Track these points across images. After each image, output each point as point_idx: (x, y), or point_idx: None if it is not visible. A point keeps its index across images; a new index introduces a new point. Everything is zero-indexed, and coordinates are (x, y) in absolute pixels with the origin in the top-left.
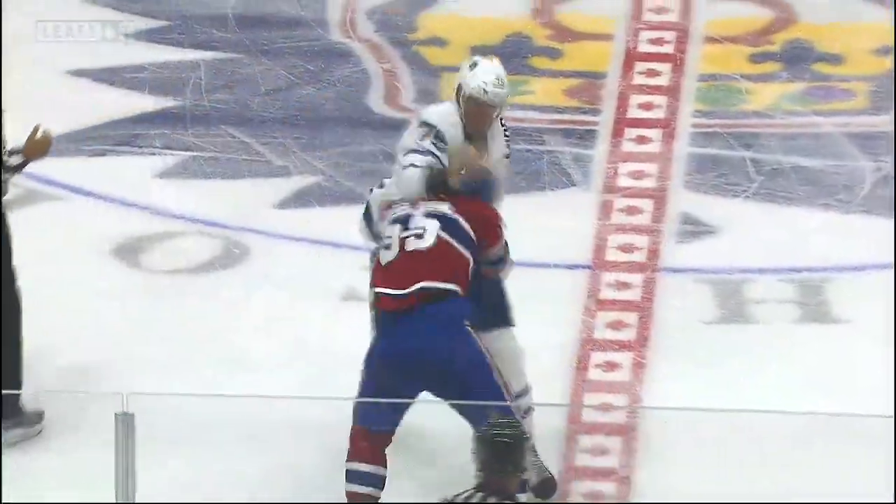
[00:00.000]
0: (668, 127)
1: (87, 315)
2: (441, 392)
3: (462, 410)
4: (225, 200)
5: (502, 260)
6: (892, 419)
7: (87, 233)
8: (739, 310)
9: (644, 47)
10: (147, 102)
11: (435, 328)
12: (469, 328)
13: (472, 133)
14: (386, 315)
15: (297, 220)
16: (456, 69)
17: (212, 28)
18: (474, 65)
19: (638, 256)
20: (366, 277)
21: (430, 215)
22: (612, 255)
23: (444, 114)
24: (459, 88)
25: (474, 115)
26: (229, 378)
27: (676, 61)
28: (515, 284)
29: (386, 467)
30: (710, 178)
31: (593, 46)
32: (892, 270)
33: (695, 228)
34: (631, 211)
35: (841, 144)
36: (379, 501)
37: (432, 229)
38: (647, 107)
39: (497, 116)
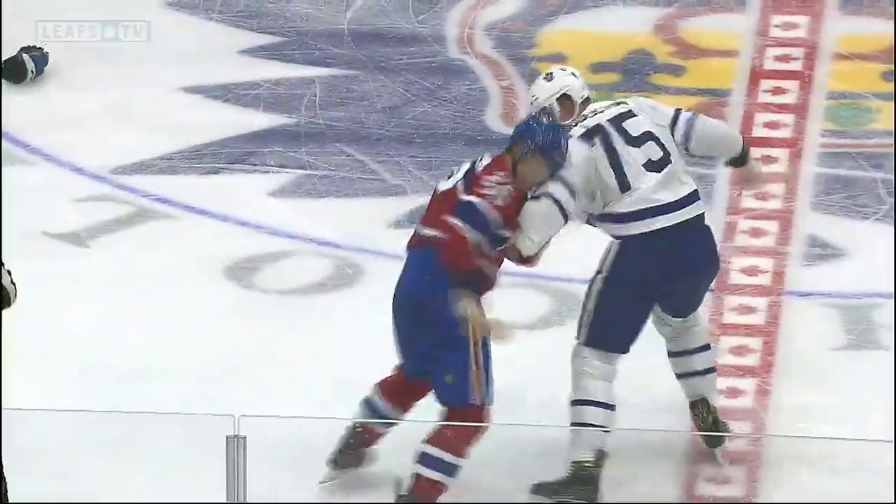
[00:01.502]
0: (794, 146)
1: (200, 335)
2: (420, 333)
3: (428, 360)
4: (339, 220)
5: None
6: None
7: (199, 252)
8: (868, 336)
9: (770, 64)
10: (261, 120)
11: (421, 270)
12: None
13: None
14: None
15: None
16: None
17: (327, 44)
18: (574, 74)
19: (763, 280)
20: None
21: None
22: (736, 279)
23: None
24: (566, 99)
25: (570, 118)
26: (343, 400)
27: (804, 79)
28: None
29: (402, 413)
30: (838, 200)
31: (718, 63)
32: None
33: (822, 251)
34: (755, 233)
35: None
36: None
37: (458, 174)
38: (774, 125)
39: None
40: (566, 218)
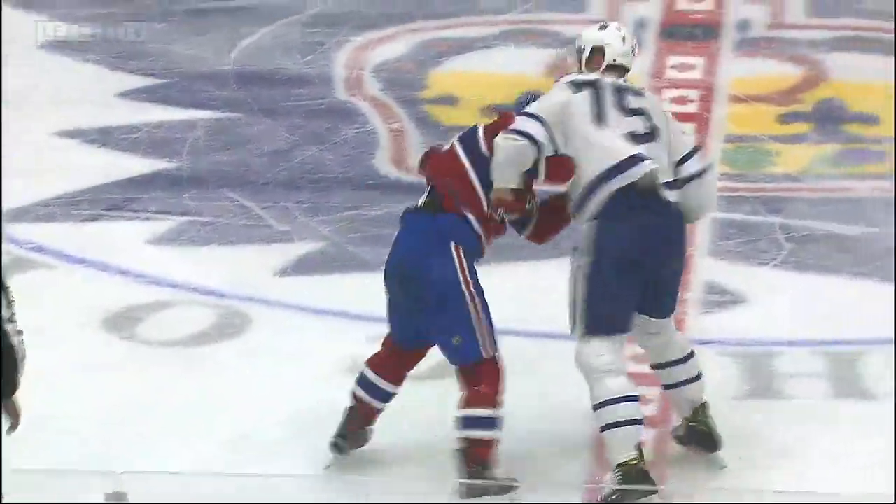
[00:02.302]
0: None
1: (79, 389)
2: (416, 303)
3: (429, 328)
4: (224, 268)
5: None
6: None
7: (78, 302)
8: (768, 384)
9: (666, 106)
10: (142, 165)
11: (418, 239)
12: (455, 249)
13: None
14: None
15: (299, 288)
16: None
17: (210, 86)
18: (603, 26)
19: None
20: (372, 348)
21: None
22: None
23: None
24: (597, 54)
25: (616, 74)
26: (229, 456)
27: (701, 121)
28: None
29: (396, 386)
30: (737, 245)
31: None
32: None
33: (721, 298)
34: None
35: (875, 210)
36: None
37: (447, 145)
38: None
39: None
40: (538, 148)
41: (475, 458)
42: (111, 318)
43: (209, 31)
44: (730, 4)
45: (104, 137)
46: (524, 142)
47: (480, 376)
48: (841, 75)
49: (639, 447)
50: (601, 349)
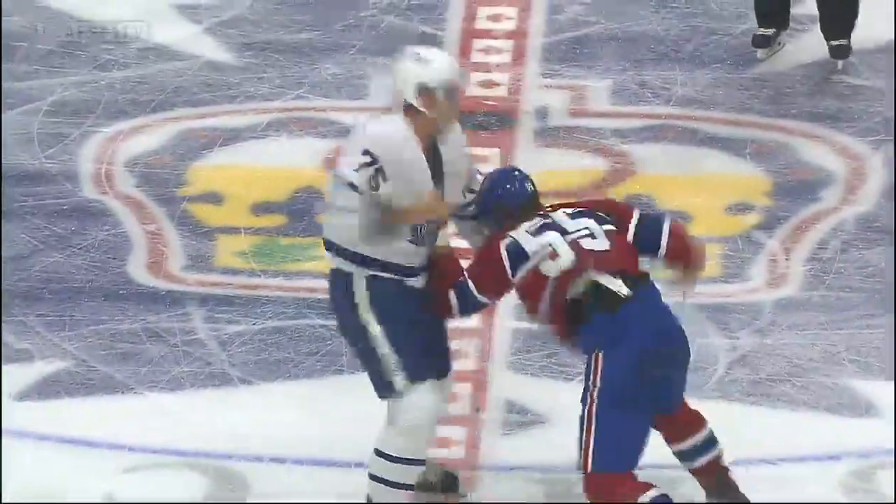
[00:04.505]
0: None
1: None
2: (676, 374)
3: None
4: None
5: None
6: None
7: None
8: None
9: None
10: None
11: (665, 308)
12: None
13: (440, 129)
14: (609, 313)
15: (41, 414)
16: (235, 230)
17: None
18: (419, 57)
19: (454, 452)
20: (130, 480)
21: (576, 215)
22: None
23: (392, 138)
24: (421, 90)
25: (447, 108)
26: None
27: None
28: None
29: None
30: (538, 359)
31: None
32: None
33: (522, 418)
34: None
35: (690, 318)
36: None
37: (596, 228)
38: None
39: None
40: None
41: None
42: None
43: None
44: (526, 90)
45: None
46: None
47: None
48: (649, 168)
49: None
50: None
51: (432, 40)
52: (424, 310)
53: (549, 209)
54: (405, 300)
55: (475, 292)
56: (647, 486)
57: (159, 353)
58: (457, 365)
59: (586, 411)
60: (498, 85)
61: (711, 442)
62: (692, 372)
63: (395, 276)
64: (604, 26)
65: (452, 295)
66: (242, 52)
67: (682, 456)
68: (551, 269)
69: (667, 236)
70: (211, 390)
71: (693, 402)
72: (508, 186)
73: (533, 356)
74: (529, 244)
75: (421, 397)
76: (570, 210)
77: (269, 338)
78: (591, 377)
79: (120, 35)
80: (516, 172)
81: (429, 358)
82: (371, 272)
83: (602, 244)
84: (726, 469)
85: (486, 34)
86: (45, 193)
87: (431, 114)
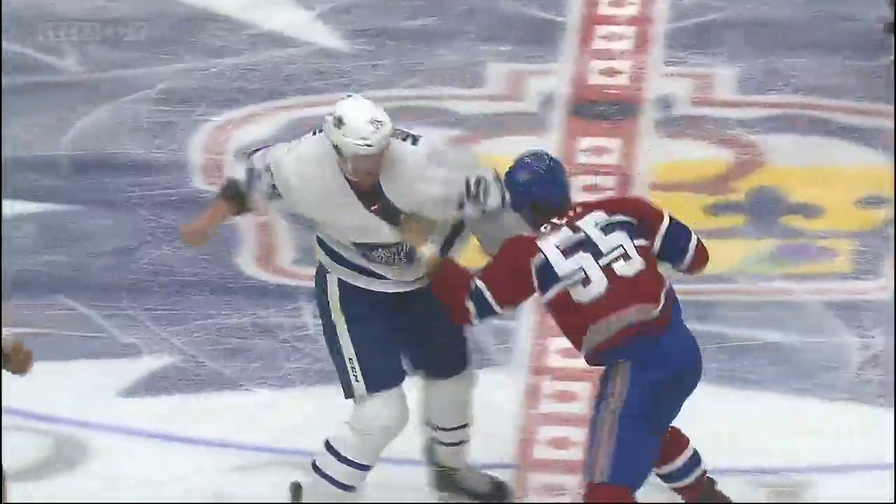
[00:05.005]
0: None
1: None
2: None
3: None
4: (57, 388)
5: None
6: None
7: None
8: None
9: (577, 195)
10: None
11: (689, 336)
12: None
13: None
14: (644, 342)
15: (147, 411)
16: None
17: (40, 175)
18: (339, 121)
19: (575, 453)
20: (239, 477)
21: (609, 228)
22: (542, 453)
23: (295, 161)
24: (334, 147)
25: (357, 170)
26: None
27: None
28: None
29: None
30: None
31: None
32: (893, 468)
33: None
34: (564, 397)
35: (819, 316)
36: None
37: (629, 246)
38: None
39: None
40: None
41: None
42: None
43: (37, 109)
44: (650, 78)
45: None
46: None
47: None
48: (778, 160)
49: None
50: None
51: (551, 27)
52: (394, 319)
53: (581, 210)
54: (373, 307)
55: (492, 300)
56: None
57: (268, 349)
58: (572, 363)
59: (603, 419)
60: (620, 73)
61: (697, 458)
62: (825, 371)
63: (364, 286)
64: (730, 12)
65: (469, 302)
66: (356, 39)
67: (670, 477)
68: (582, 295)
69: (692, 252)
70: (320, 388)
71: (824, 404)
72: (547, 182)
73: None
74: (561, 266)
75: (375, 409)
76: (602, 219)
77: None
78: (613, 387)
79: (231, 21)
80: (551, 163)
81: (391, 368)
82: (341, 276)
83: (634, 266)
84: (713, 481)
85: (609, 20)
86: (153, 184)
87: (345, 168)
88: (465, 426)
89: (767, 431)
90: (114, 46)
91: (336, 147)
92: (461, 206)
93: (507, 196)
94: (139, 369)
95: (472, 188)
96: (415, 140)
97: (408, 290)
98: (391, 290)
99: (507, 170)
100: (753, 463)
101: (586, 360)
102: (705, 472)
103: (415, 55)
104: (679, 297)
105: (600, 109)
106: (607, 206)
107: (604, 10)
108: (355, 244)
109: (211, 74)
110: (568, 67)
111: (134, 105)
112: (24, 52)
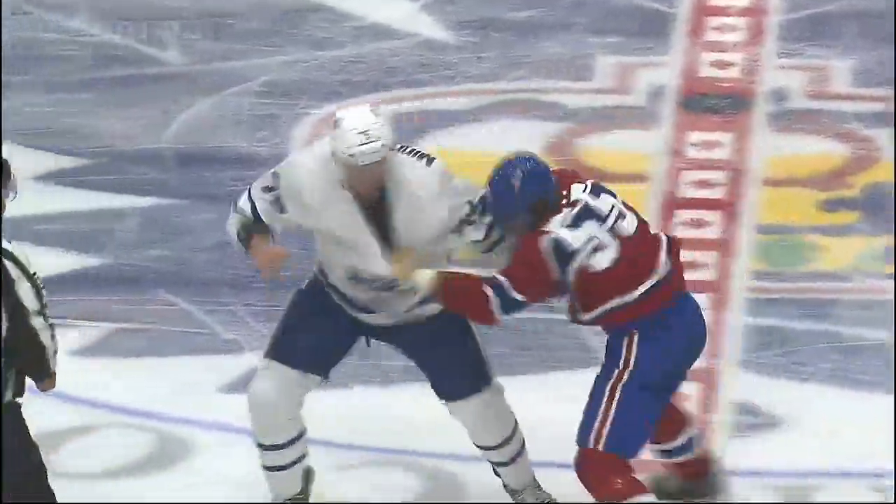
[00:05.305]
0: (717, 292)
1: None
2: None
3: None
4: (158, 384)
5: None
6: None
7: None
8: None
9: (687, 191)
10: (60, 262)
11: (694, 300)
12: None
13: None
14: (665, 303)
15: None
16: None
17: (143, 167)
18: (336, 125)
19: None
20: (337, 477)
21: (594, 191)
22: (648, 455)
23: (297, 170)
24: (332, 152)
25: (355, 179)
26: None
27: (728, 209)
28: None
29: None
30: (772, 357)
31: (623, 190)
32: None
33: (754, 420)
34: None
35: None
36: None
37: (618, 203)
38: (691, 266)
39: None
40: None
41: None
42: None
43: (140, 102)
44: (763, 71)
45: (17, 230)
46: None
47: None
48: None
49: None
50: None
51: (662, 18)
52: (338, 320)
53: (566, 191)
54: (324, 299)
55: (514, 292)
56: (643, 488)
57: (367, 346)
58: None
59: (608, 388)
60: (732, 65)
61: (697, 440)
62: None
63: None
64: (845, 3)
65: (492, 298)
66: (460, 31)
67: (671, 453)
68: (600, 262)
69: None
70: (419, 385)
71: None
72: (539, 180)
73: (765, 354)
74: (572, 238)
75: (258, 379)
76: (582, 186)
77: (484, 332)
78: (624, 356)
79: (335, 13)
80: (536, 162)
81: (300, 349)
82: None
83: (631, 223)
84: (714, 458)
85: (721, 11)
86: (255, 178)
87: (342, 175)
88: (508, 441)
89: (883, 433)
90: (216, 38)
91: (332, 152)
92: (460, 232)
93: (498, 207)
94: (240, 365)
95: (473, 215)
96: (430, 161)
97: (389, 323)
98: (370, 322)
99: (493, 181)
100: (871, 465)
101: (592, 323)
102: (708, 458)
103: (521, 47)
104: (791, 294)
105: (711, 103)
106: (573, 176)
107: (716, 0)
108: (345, 269)
109: (313, 67)
110: (678, 60)
111: (236, 98)
112: (126, 44)
